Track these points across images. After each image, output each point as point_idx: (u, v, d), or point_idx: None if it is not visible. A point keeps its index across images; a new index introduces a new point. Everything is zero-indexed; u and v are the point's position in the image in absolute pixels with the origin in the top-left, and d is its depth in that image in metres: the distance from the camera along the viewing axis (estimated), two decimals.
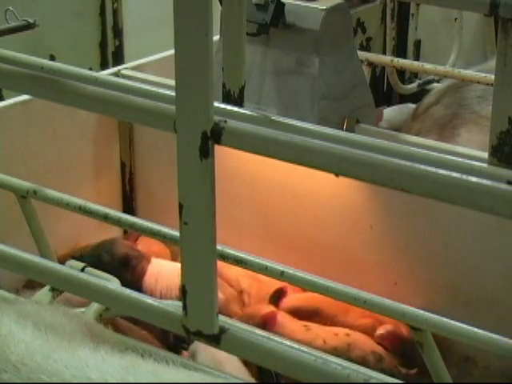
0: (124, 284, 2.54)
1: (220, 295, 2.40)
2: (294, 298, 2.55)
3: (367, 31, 3.82)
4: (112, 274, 2.45)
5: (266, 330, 2.15)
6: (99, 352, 1.10)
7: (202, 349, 2.18)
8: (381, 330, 2.38)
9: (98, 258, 2.55)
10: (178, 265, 2.71)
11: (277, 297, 2.52)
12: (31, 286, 2.52)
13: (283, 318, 2.41)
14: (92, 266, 2.27)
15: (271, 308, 2.46)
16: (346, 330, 2.41)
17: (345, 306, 2.39)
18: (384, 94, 4.00)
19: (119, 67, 2.92)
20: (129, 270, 2.53)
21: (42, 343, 1.11)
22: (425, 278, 2.48)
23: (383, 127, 2.87)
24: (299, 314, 2.48)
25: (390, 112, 3.47)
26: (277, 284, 2.58)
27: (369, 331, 2.43)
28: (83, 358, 1.07)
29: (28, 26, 3.08)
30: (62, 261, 2.03)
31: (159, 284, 2.51)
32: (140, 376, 1.06)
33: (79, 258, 2.41)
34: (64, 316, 1.29)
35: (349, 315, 2.46)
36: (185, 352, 2.33)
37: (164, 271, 2.53)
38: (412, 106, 3.50)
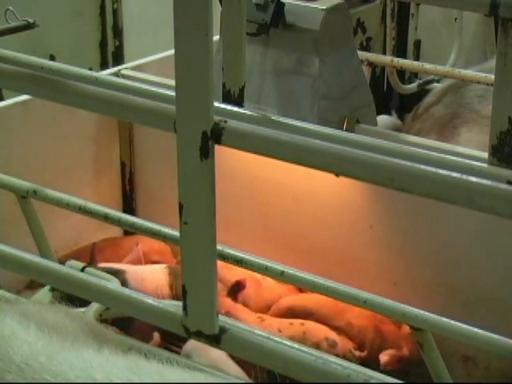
0: None
1: None
2: (289, 298, 2.56)
3: (367, 31, 3.82)
4: None
5: None
6: (103, 352, 1.10)
7: (198, 353, 2.17)
8: (384, 357, 2.37)
9: None
10: (155, 266, 2.68)
11: (235, 290, 2.52)
12: (33, 286, 2.52)
13: (238, 311, 2.41)
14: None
15: (229, 301, 2.47)
16: (300, 320, 2.42)
17: (341, 309, 2.40)
18: (384, 94, 4.00)
19: (119, 67, 2.92)
20: None
21: (45, 344, 1.11)
22: (425, 277, 2.48)
23: None
24: (291, 313, 2.48)
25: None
26: (277, 287, 2.58)
27: (368, 334, 2.43)
28: (87, 359, 1.07)
29: (28, 26, 3.08)
30: (61, 261, 2.04)
31: (148, 287, 2.51)
32: (145, 376, 1.06)
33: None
34: (66, 316, 1.29)
35: (344, 319, 2.45)
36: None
37: (146, 274, 2.53)
38: (387, 117, 3.51)
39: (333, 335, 2.38)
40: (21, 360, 1.06)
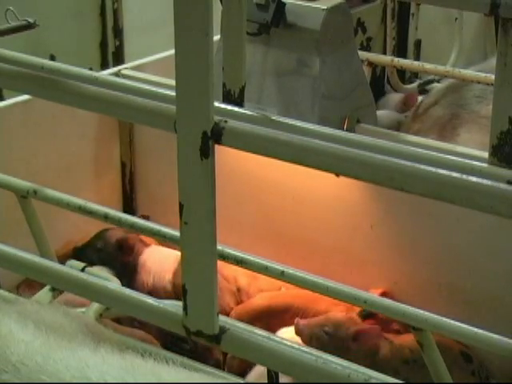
0: (119, 267, 2.62)
1: None
2: (262, 297, 2.54)
3: (367, 31, 3.81)
4: (107, 260, 2.51)
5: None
6: (99, 352, 1.10)
7: None
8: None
9: (91, 247, 2.62)
10: (172, 251, 2.71)
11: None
12: (29, 284, 2.53)
13: None
14: (85, 257, 2.30)
15: None
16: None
17: (314, 296, 2.39)
18: (384, 94, 4.00)
19: (119, 67, 2.92)
20: (125, 252, 2.60)
21: (42, 343, 1.10)
22: (425, 277, 2.48)
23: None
24: (269, 312, 2.47)
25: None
26: (275, 283, 2.58)
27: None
28: (83, 358, 1.07)
29: (28, 26, 3.07)
30: (61, 260, 2.04)
31: (153, 269, 2.57)
32: (140, 376, 1.06)
33: (75, 254, 2.48)
34: (64, 316, 1.29)
35: (319, 304, 2.45)
36: None
37: (159, 257, 2.58)
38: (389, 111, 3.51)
39: None
40: (17, 359, 1.06)
